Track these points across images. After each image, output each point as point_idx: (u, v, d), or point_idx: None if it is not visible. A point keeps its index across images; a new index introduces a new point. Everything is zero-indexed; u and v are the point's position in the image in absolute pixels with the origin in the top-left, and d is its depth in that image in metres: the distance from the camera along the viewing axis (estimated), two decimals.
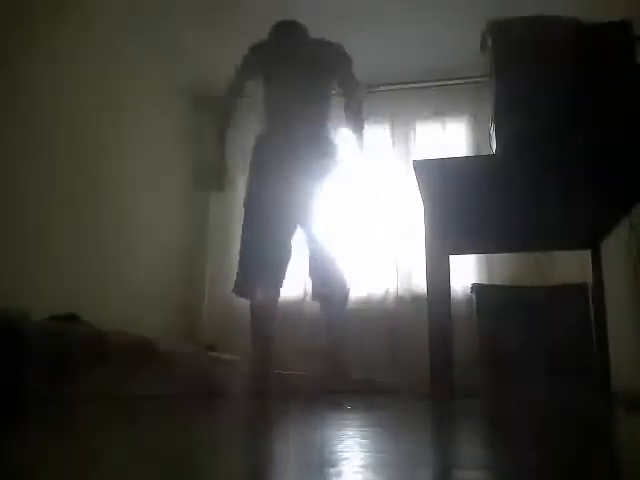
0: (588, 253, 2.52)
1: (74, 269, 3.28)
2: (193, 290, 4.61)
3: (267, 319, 2.90)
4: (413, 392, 3.51)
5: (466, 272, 3.96)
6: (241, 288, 2.93)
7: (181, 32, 4.04)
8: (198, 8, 3.78)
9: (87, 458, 0.89)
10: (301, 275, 4.31)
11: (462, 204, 1.97)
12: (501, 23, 1.84)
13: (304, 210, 2.81)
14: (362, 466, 0.82)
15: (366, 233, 4.28)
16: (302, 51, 3.02)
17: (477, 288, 2.72)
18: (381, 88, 4.57)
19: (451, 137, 4.44)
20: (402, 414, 2.02)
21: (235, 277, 2.97)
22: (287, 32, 3.08)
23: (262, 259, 2.83)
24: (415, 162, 1.81)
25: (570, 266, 3.24)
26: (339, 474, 0.75)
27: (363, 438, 1.18)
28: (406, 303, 4.18)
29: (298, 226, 2.91)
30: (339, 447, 1.01)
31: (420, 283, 4.14)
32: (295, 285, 4.36)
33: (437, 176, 1.83)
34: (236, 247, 4.63)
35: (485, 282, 3.62)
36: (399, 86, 4.53)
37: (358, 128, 3.00)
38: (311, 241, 2.87)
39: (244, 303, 4.48)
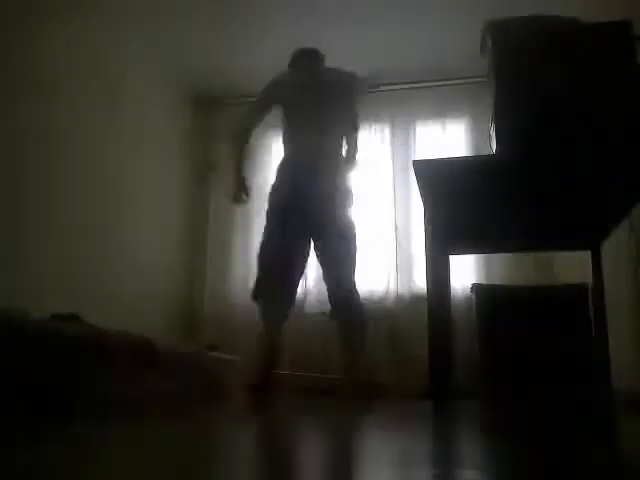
0: (588, 253, 2.52)
1: (74, 269, 3.28)
2: (193, 290, 4.62)
3: (279, 326, 2.98)
4: (413, 392, 3.51)
5: (466, 272, 3.96)
6: (258, 293, 3.02)
7: (181, 32, 4.04)
8: (198, 8, 3.78)
9: (87, 458, 0.89)
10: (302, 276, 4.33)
11: (462, 204, 1.97)
12: (501, 23, 1.84)
13: (320, 227, 2.95)
14: (363, 466, 0.82)
15: (366, 233, 4.27)
16: (321, 82, 3.15)
17: (477, 288, 2.72)
18: (381, 88, 4.57)
19: (451, 137, 4.44)
20: (402, 414, 2.02)
21: (254, 284, 3.05)
22: (308, 62, 3.21)
23: (278, 270, 2.94)
24: (415, 162, 1.81)
25: (570, 266, 3.24)
26: (339, 474, 0.75)
27: (364, 439, 1.18)
28: (406, 303, 4.18)
29: (313, 242, 3.04)
30: (339, 447, 1.01)
31: (420, 283, 4.14)
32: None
33: (437, 176, 1.83)
34: (236, 247, 4.67)
35: (485, 282, 3.62)
36: (399, 86, 4.53)
37: (350, 164, 3.17)
38: (325, 258, 2.99)
39: (244, 303, 4.49)
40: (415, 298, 4.13)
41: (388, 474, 0.75)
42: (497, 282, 3.65)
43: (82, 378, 2.24)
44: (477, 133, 4.31)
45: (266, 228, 3.05)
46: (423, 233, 1.90)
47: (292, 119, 3.14)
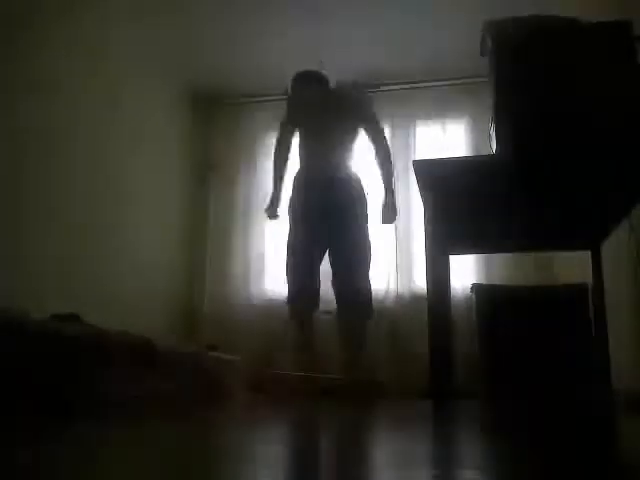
0: (588, 253, 2.51)
1: (74, 268, 3.28)
2: (193, 290, 4.62)
3: (310, 326, 3.20)
4: (413, 391, 3.51)
5: (466, 272, 3.96)
6: (293, 299, 3.22)
7: (181, 31, 4.04)
8: (198, 7, 3.78)
9: (87, 458, 0.89)
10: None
11: (462, 204, 1.97)
12: (501, 23, 1.84)
13: (336, 237, 3.15)
14: (363, 466, 0.82)
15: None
16: (332, 103, 3.35)
17: (477, 288, 2.72)
18: (381, 88, 4.56)
19: (451, 137, 4.44)
20: (402, 414, 2.02)
21: (287, 291, 3.24)
22: (311, 83, 3.40)
23: (301, 276, 3.16)
24: (415, 162, 1.81)
25: (570, 266, 3.24)
26: (338, 474, 0.75)
27: (364, 439, 1.18)
28: (406, 303, 4.18)
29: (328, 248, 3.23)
30: (339, 447, 1.01)
31: (420, 283, 4.14)
32: None
33: (437, 176, 1.83)
34: (236, 247, 4.67)
35: (485, 282, 3.62)
36: (399, 86, 4.53)
37: (387, 174, 3.33)
38: (338, 264, 3.18)
39: (244, 303, 4.49)
40: (415, 298, 4.13)
41: (388, 474, 0.75)
42: (497, 282, 3.65)
43: (82, 378, 2.24)
44: (477, 133, 4.31)
45: (289, 242, 3.24)
46: (423, 233, 1.90)
47: (307, 138, 3.34)
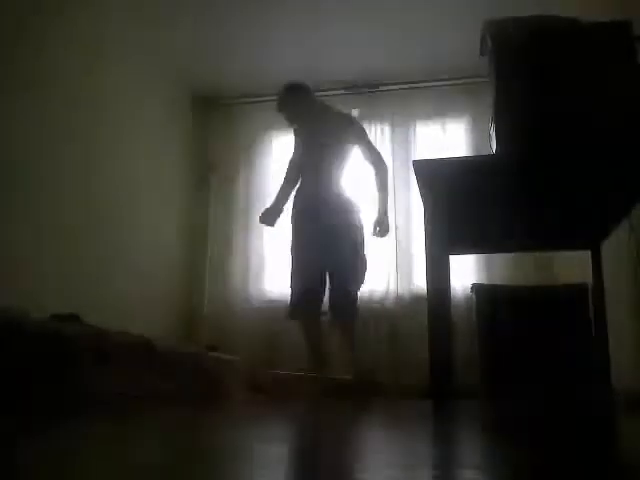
0: (588, 253, 2.51)
1: (74, 269, 3.28)
2: (193, 290, 4.62)
3: (318, 333, 3.28)
4: (413, 392, 3.51)
5: (466, 272, 3.96)
6: (294, 313, 3.31)
7: (181, 32, 4.04)
8: (198, 8, 3.78)
9: (87, 459, 0.89)
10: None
11: (462, 204, 1.97)
12: (501, 23, 1.84)
13: (332, 249, 3.24)
14: (362, 466, 0.82)
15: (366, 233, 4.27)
16: (324, 126, 3.42)
17: (477, 288, 2.72)
18: (381, 88, 4.57)
19: (451, 137, 4.44)
20: (402, 414, 2.02)
21: (289, 304, 3.32)
22: (309, 94, 3.51)
23: (306, 288, 3.24)
24: (415, 162, 1.81)
25: (570, 266, 3.24)
26: (339, 474, 0.75)
27: (364, 438, 1.18)
28: (406, 303, 4.18)
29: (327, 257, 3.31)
30: (339, 447, 1.01)
31: (420, 283, 4.14)
32: None
33: (437, 176, 1.83)
34: (236, 247, 4.67)
35: (485, 282, 3.62)
36: (399, 86, 4.53)
37: (384, 195, 3.43)
38: (334, 273, 3.28)
39: (243, 303, 4.50)
40: (415, 298, 4.13)
41: (388, 474, 0.75)
42: (497, 282, 3.65)
43: (82, 378, 2.23)
44: (477, 133, 4.31)
45: (292, 248, 3.33)
46: (423, 233, 1.90)
47: (304, 156, 3.42)
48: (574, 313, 2.53)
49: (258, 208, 4.62)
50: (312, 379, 3.27)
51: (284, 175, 3.55)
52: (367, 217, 3.47)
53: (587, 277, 2.54)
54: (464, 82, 4.33)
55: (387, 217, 3.39)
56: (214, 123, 4.90)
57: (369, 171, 3.50)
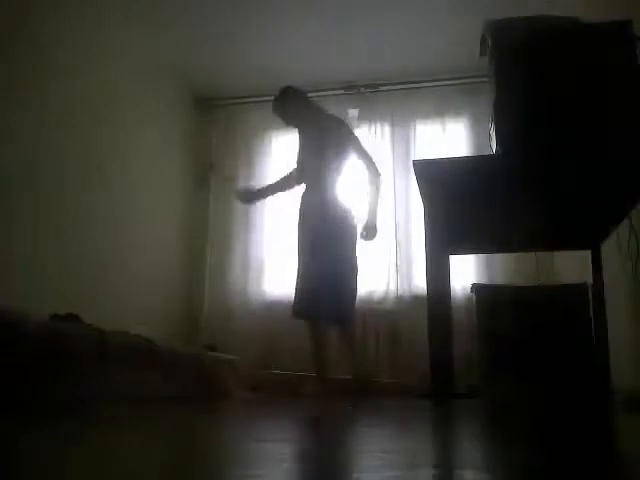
0: (588, 253, 2.51)
1: (74, 269, 3.28)
2: (193, 290, 4.61)
3: (319, 334, 3.25)
4: (413, 392, 3.51)
5: (466, 272, 3.96)
6: (296, 312, 3.28)
7: (181, 32, 4.04)
8: (198, 8, 3.78)
9: (88, 459, 0.88)
10: None
11: (462, 204, 1.97)
12: (501, 23, 1.84)
13: (335, 256, 3.25)
14: (362, 466, 0.82)
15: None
16: (320, 132, 3.41)
17: (477, 288, 2.72)
18: (381, 88, 4.57)
19: (451, 137, 4.44)
20: (402, 414, 2.02)
21: (294, 303, 3.28)
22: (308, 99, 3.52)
23: (307, 289, 3.23)
24: (415, 162, 1.81)
25: (570, 266, 3.24)
26: (339, 474, 0.75)
27: (365, 438, 1.18)
28: (406, 303, 4.18)
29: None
30: (339, 447, 1.01)
31: (420, 283, 4.14)
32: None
33: (437, 176, 1.83)
34: (236, 248, 4.66)
35: (485, 282, 3.62)
36: (399, 86, 4.53)
37: (374, 200, 3.43)
38: (336, 282, 3.27)
39: (243, 304, 4.50)
40: (415, 298, 4.13)
41: (388, 474, 0.75)
42: (497, 282, 3.65)
43: (82, 378, 2.23)
44: (477, 133, 4.31)
45: (299, 257, 3.32)
46: (423, 233, 1.90)
47: (305, 159, 3.42)
48: (574, 313, 2.53)
49: (258, 208, 4.63)
50: (312, 379, 3.28)
51: (289, 171, 3.53)
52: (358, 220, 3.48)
53: (587, 277, 2.54)
54: (464, 82, 4.32)
55: (376, 221, 3.41)
56: (214, 123, 4.90)
57: (362, 175, 3.51)
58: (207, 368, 3.25)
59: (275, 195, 3.62)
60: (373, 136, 4.55)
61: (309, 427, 1.52)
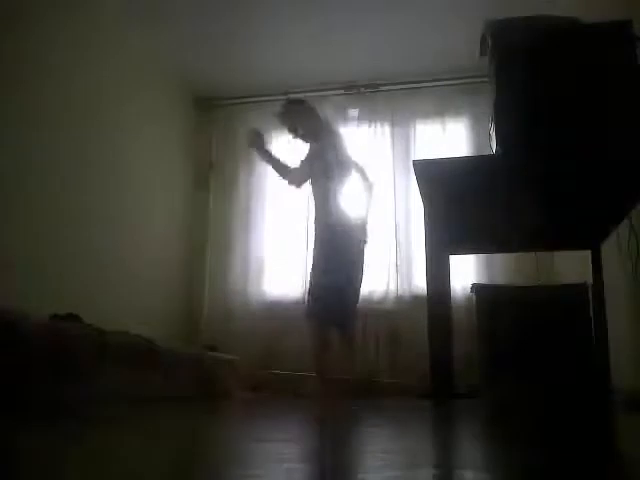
0: (588, 253, 2.51)
1: (74, 269, 3.28)
2: (193, 290, 4.62)
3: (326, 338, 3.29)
4: (413, 392, 3.51)
5: (466, 272, 3.96)
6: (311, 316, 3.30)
7: (182, 32, 4.04)
8: (199, 8, 3.78)
9: (88, 459, 0.88)
10: (301, 275, 4.34)
11: (462, 204, 1.97)
12: (501, 23, 1.84)
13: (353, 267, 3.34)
14: (363, 466, 0.82)
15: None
16: (333, 135, 3.47)
17: (477, 288, 2.72)
18: (381, 88, 4.57)
19: (451, 137, 4.44)
20: (402, 414, 2.02)
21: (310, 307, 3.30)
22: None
23: (327, 296, 3.26)
24: (415, 162, 1.81)
25: (570, 266, 3.24)
26: (339, 474, 0.75)
27: (365, 438, 1.18)
28: (406, 303, 4.18)
29: None
30: (340, 447, 1.01)
31: (420, 283, 4.14)
32: (295, 285, 4.37)
33: (437, 176, 1.83)
34: (236, 248, 4.67)
35: (485, 282, 3.62)
36: (399, 86, 4.53)
37: (366, 208, 3.49)
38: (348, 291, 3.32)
39: (243, 304, 4.50)
40: (415, 298, 4.13)
41: (389, 474, 0.75)
42: (497, 282, 3.65)
43: (82, 378, 2.23)
44: (477, 133, 4.31)
45: (321, 264, 3.34)
46: (423, 233, 1.90)
47: (326, 170, 3.39)
48: (574, 313, 2.53)
49: (258, 208, 4.64)
50: (312, 379, 3.28)
51: (293, 167, 3.49)
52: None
53: (587, 277, 2.53)
54: (464, 82, 4.32)
55: (367, 228, 3.45)
56: (214, 123, 4.90)
57: (358, 183, 3.53)
58: (207, 368, 3.25)
59: (272, 166, 3.50)
60: (373, 136, 4.55)
61: (309, 427, 1.52)
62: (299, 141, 3.50)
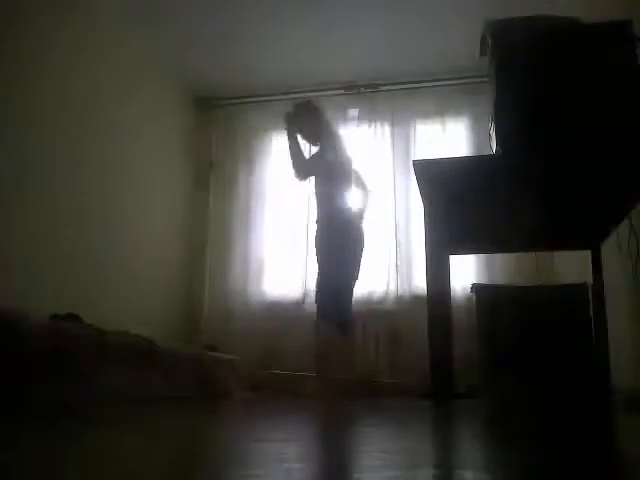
0: (588, 253, 2.51)
1: (73, 269, 3.28)
2: (193, 290, 4.62)
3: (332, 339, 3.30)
4: (413, 392, 3.51)
5: (466, 272, 3.96)
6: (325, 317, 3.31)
7: (182, 32, 4.04)
8: (199, 8, 3.78)
9: (88, 459, 0.88)
10: (301, 276, 4.34)
11: (462, 204, 1.97)
12: (501, 23, 1.84)
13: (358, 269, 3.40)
14: (363, 466, 0.82)
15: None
16: (338, 138, 3.53)
17: (477, 288, 2.72)
18: (381, 88, 4.57)
19: (451, 137, 4.44)
20: (402, 414, 2.02)
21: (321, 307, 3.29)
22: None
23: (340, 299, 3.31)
24: (415, 162, 1.81)
25: (570, 266, 3.24)
26: (340, 474, 0.75)
27: (365, 438, 1.18)
28: (406, 303, 4.18)
29: None
30: (340, 447, 1.01)
31: (420, 283, 4.14)
32: (295, 285, 4.37)
33: (437, 176, 1.83)
34: (236, 247, 4.66)
35: (485, 282, 3.62)
36: (399, 86, 4.53)
37: (362, 212, 3.54)
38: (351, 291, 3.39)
39: (243, 304, 4.50)
40: (415, 298, 4.13)
41: (388, 474, 0.75)
42: (497, 282, 3.65)
43: (82, 378, 2.23)
44: (477, 132, 4.31)
45: (333, 265, 3.37)
46: (423, 233, 1.90)
47: (333, 173, 3.44)
48: (574, 313, 2.53)
49: (258, 208, 4.64)
50: (312, 379, 3.28)
51: (308, 161, 3.47)
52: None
53: (587, 277, 2.53)
54: (464, 82, 4.32)
55: (364, 234, 3.48)
56: (214, 123, 4.90)
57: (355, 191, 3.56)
58: (207, 368, 3.25)
59: (292, 152, 3.40)
60: (373, 136, 4.55)
61: (309, 427, 1.52)
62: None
